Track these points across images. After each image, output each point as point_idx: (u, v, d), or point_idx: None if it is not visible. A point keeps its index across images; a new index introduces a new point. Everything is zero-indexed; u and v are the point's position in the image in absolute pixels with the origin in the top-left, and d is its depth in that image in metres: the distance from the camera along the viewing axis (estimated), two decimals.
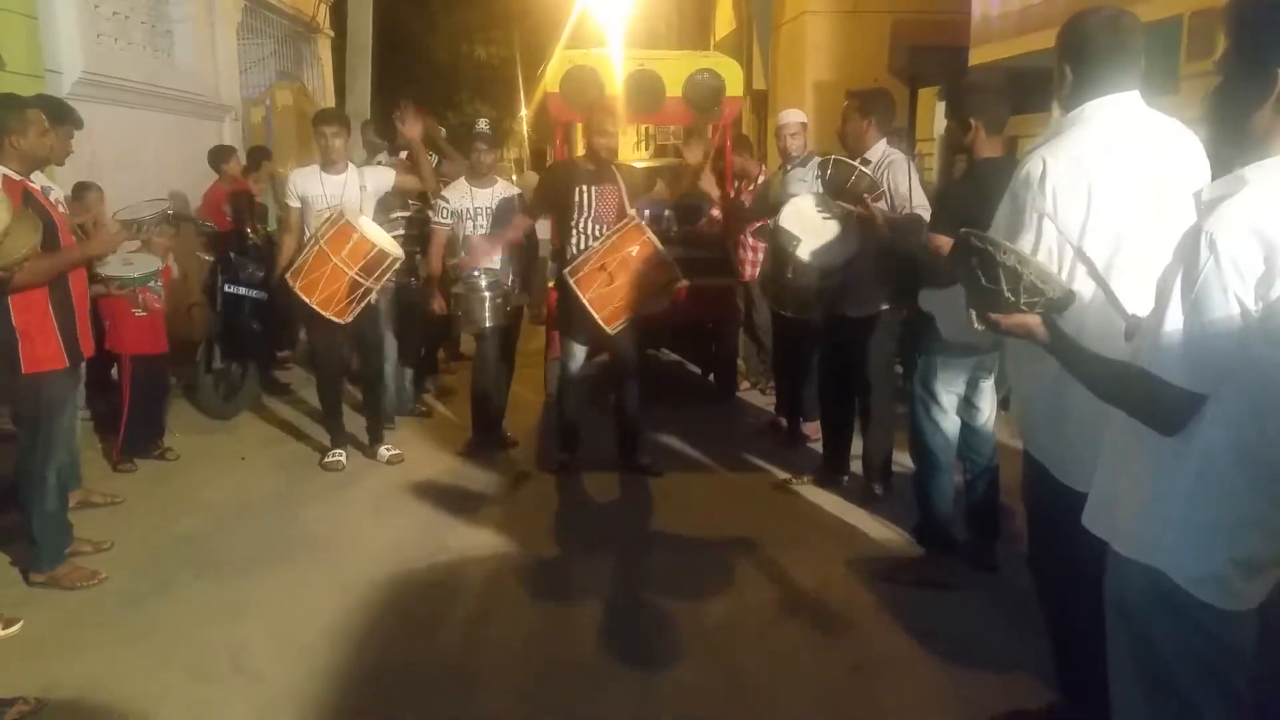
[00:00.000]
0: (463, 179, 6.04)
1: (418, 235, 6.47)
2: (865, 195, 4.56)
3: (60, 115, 4.70)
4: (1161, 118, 2.60)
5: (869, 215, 4.52)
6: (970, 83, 4.09)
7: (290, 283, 5.32)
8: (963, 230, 2.22)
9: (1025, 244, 2.52)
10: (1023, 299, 2.09)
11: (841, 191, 4.67)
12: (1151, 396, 1.79)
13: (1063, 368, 2.09)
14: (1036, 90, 4.25)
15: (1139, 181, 2.49)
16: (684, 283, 5.31)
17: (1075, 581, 2.39)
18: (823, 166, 4.79)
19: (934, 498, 4.19)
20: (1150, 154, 2.52)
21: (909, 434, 4.29)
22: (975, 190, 3.74)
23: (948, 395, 4.09)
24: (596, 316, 5.10)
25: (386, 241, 5.48)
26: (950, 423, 4.12)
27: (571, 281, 5.13)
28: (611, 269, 5.04)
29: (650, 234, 5.09)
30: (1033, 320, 2.09)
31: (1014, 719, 3.11)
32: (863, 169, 4.67)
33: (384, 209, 6.09)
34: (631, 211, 5.31)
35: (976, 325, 2.24)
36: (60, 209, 4.54)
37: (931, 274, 3.89)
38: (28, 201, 3.95)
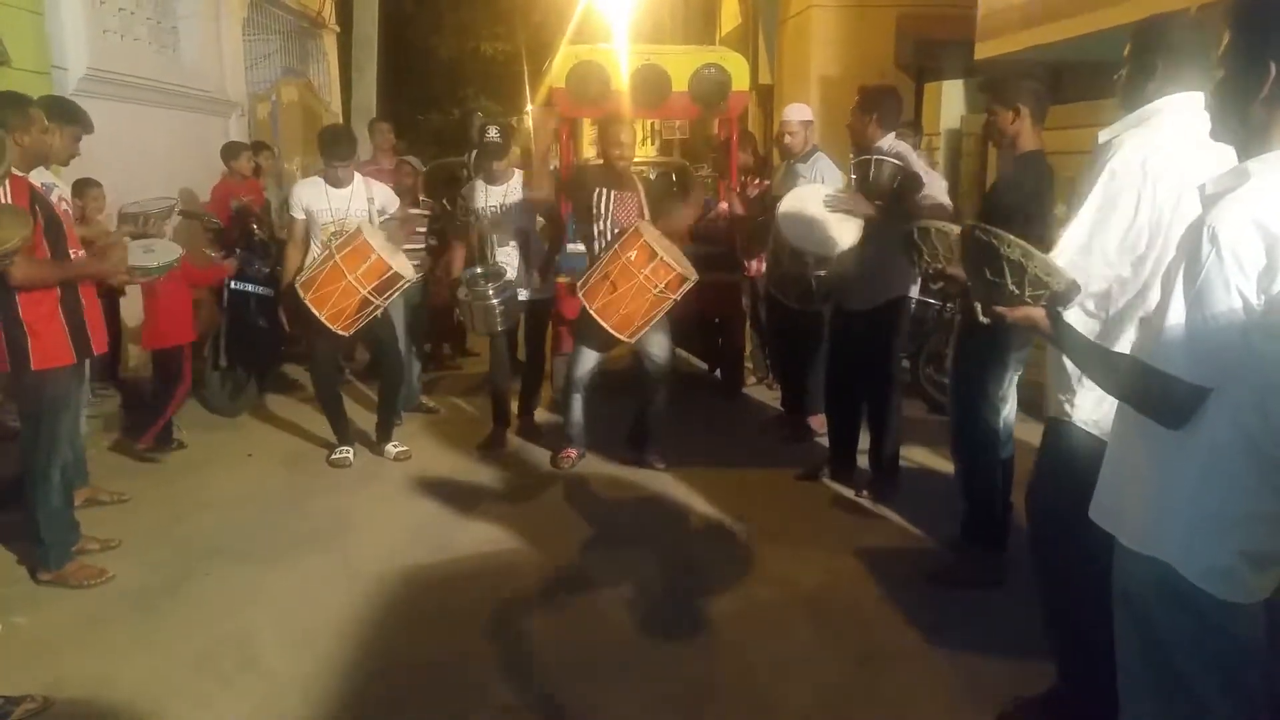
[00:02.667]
0: (478, 179, 6.10)
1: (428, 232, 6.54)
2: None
3: (71, 117, 4.70)
4: None
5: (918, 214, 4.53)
6: (1022, 71, 4.11)
7: (301, 293, 5.30)
8: (968, 223, 2.24)
9: (1119, 224, 2.57)
10: (1027, 292, 2.10)
11: (874, 186, 4.65)
12: (1155, 390, 1.78)
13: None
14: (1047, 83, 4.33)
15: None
16: (692, 279, 5.15)
17: (1082, 563, 2.39)
18: (861, 167, 4.72)
19: (985, 494, 4.13)
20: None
21: (954, 430, 4.22)
22: (1027, 183, 3.76)
23: (1000, 390, 4.01)
24: (606, 326, 5.10)
25: (401, 263, 5.47)
26: (1002, 418, 4.05)
27: (580, 294, 5.16)
28: (614, 277, 5.05)
29: (648, 238, 5.07)
30: (1037, 313, 2.11)
31: (1021, 712, 3.11)
32: (896, 162, 4.64)
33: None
34: (647, 217, 5.30)
35: (982, 318, 2.25)
36: (64, 207, 4.55)
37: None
38: (34, 199, 3.96)
